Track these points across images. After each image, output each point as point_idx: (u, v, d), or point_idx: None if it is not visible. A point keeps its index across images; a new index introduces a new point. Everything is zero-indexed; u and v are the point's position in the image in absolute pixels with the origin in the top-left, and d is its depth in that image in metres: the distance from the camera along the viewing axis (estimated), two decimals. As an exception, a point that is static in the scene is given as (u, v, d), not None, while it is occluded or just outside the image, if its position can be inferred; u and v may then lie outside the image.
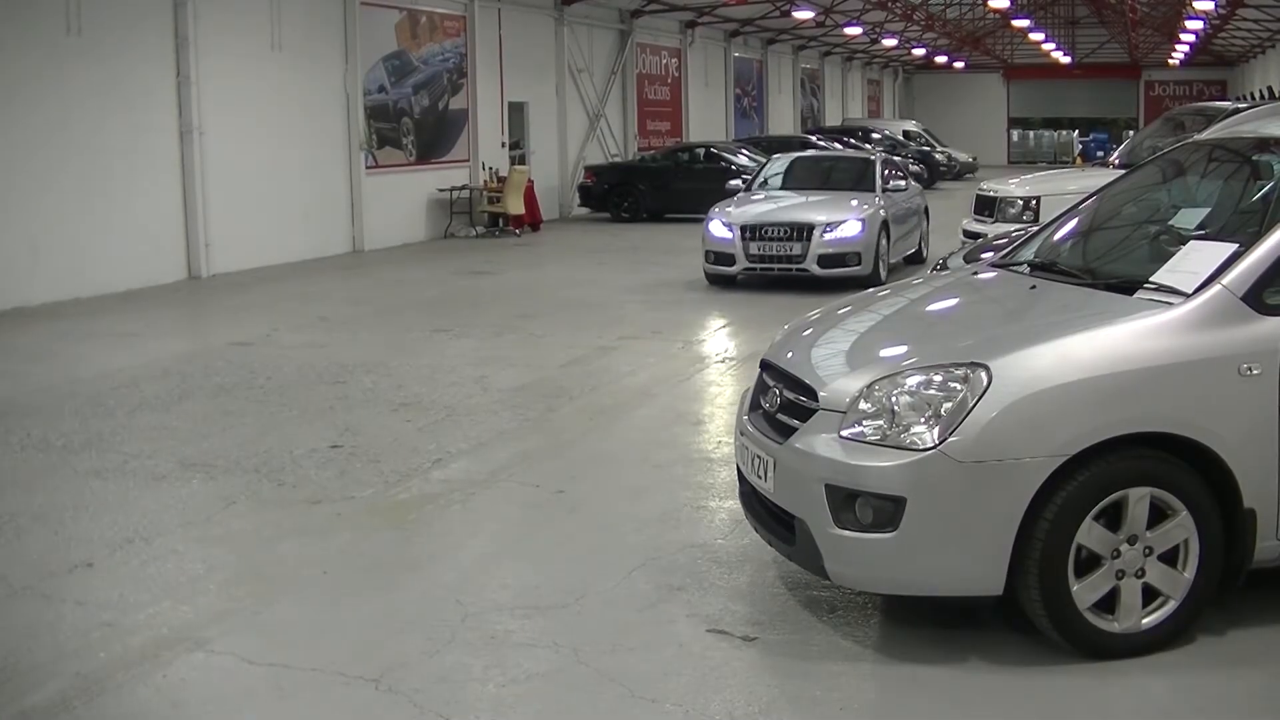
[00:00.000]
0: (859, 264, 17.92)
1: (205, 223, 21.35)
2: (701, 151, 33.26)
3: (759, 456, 6.27)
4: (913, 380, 5.75)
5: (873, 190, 19.51)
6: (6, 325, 16.44)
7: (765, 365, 6.70)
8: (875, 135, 46.58)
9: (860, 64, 67.61)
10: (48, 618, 6.55)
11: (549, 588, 6.83)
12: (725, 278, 18.74)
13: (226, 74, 21.93)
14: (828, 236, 17.90)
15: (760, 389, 6.62)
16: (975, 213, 16.84)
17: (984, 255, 10.19)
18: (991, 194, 16.71)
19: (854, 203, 18.79)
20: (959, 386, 5.61)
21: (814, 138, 41.46)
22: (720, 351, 13.99)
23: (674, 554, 7.30)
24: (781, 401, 6.28)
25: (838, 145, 37.61)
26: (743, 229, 18.34)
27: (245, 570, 7.19)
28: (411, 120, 27.95)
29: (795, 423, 6.06)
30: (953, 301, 7.28)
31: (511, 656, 5.98)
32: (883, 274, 18.15)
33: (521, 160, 32.37)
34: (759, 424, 6.43)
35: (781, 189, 20.55)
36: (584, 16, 35.92)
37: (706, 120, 45.17)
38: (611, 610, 6.49)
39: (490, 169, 29.82)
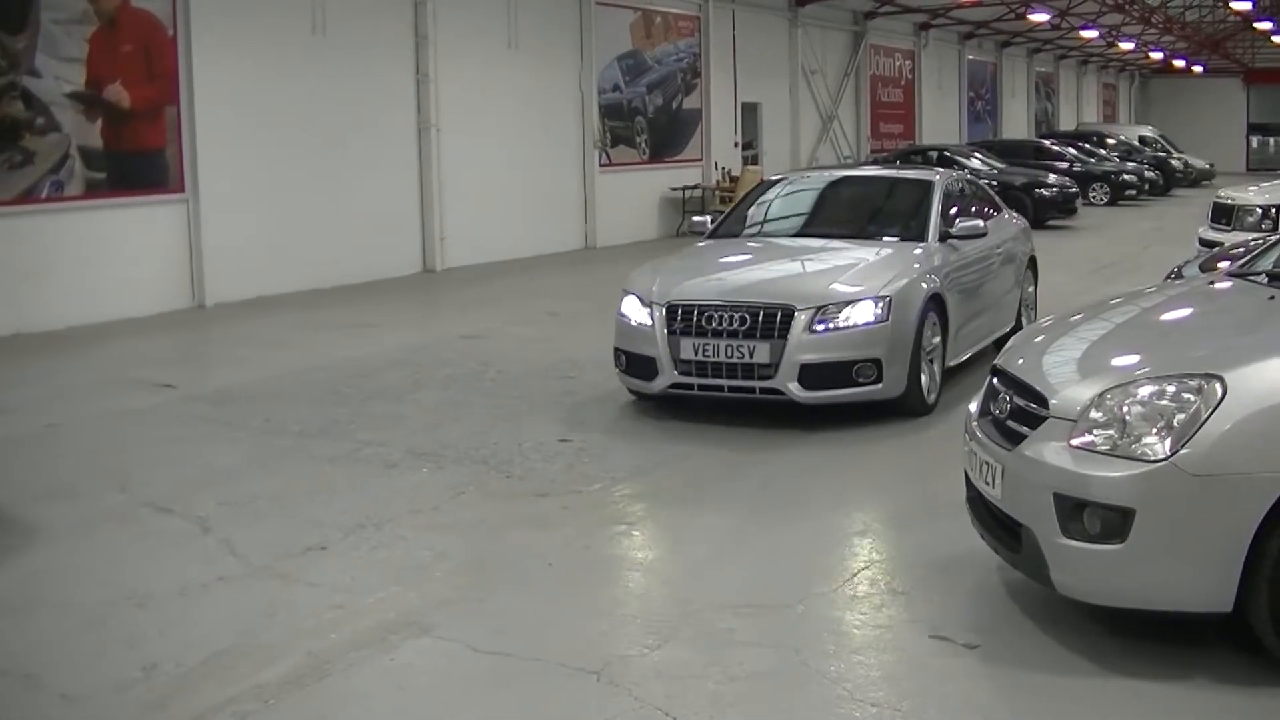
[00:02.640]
0: (876, 379, 10.23)
1: (441, 217, 21.78)
2: (934, 155, 32.90)
3: (987, 462, 6.21)
4: (1145, 390, 5.64)
5: (923, 237, 11.70)
6: (247, 314, 16.96)
7: (996, 371, 6.63)
8: (1110, 140, 45.64)
9: (1096, 68, 66.31)
10: (283, 597, 6.76)
11: (772, 588, 6.84)
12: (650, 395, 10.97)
13: (464, 72, 22.32)
14: (819, 330, 10.12)
15: (990, 394, 6.55)
16: (1212, 221, 16.45)
17: (1221, 264, 9.98)
18: (1229, 202, 16.32)
19: (882, 263, 11.01)
20: (1192, 398, 5.49)
21: (1047, 142, 40.78)
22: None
23: (898, 558, 7.26)
24: (1011, 408, 6.21)
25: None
26: (670, 313, 10.44)
27: (471, 559, 7.32)
28: (644, 119, 28.13)
29: (1025, 430, 5.99)
30: (1187, 311, 7.14)
31: (732, 654, 6.00)
32: (929, 395, 10.82)
33: (754, 160, 32.39)
34: (988, 430, 6.37)
35: (773, 233, 12.61)
36: (817, 18, 35.80)
37: (939, 123, 44.76)
38: (834, 612, 6.48)
39: (723, 169, 29.89)
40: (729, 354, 10.19)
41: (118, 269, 16.73)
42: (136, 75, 17.13)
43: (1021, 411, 6.11)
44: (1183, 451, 5.40)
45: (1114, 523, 5.49)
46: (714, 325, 10.24)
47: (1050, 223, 30.10)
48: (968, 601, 6.65)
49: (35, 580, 7.10)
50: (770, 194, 13.40)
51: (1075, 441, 5.69)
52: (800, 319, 10.10)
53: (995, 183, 29.95)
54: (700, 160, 29.84)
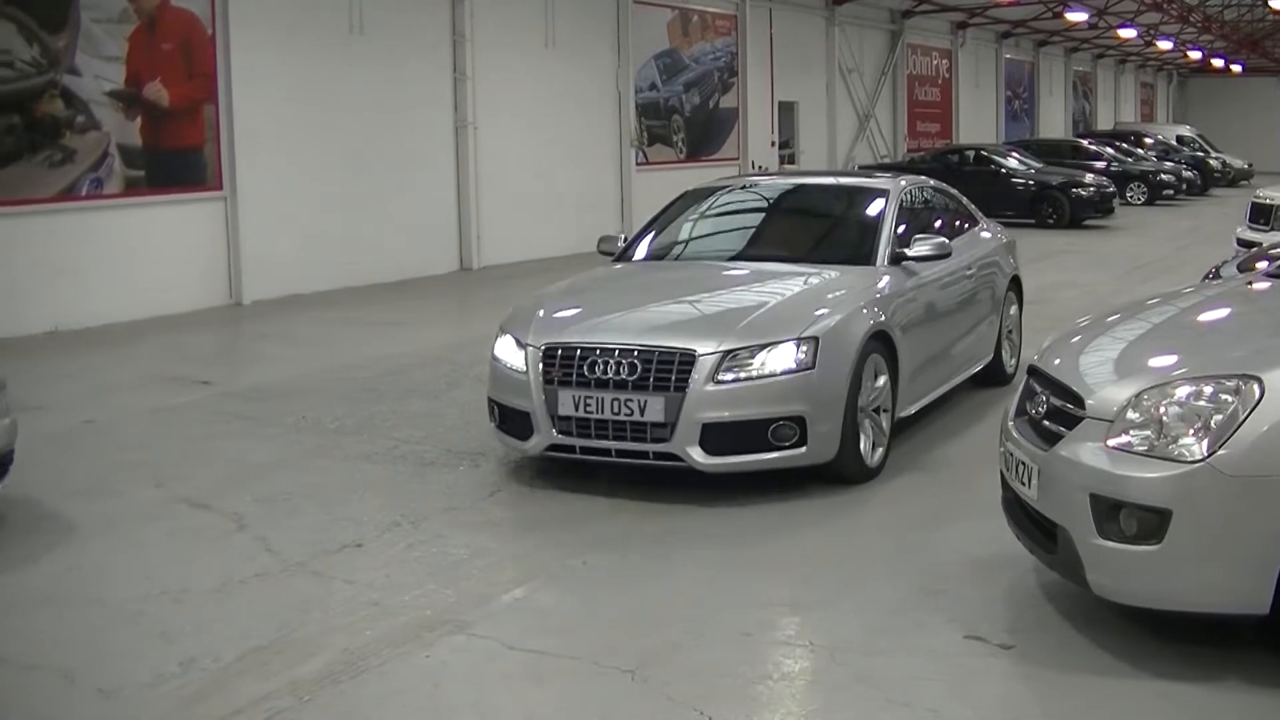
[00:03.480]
0: (798, 441, 8.25)
1: (478, 215, 21.84)
2: (971, 154, 32.82)
3: (1023, 463, 6.19)
4: (1182, 391, 5.61)
5: (870, 259, 9.80)
6: (284, 311, 17.04)
7: (1033, 371, 6.60)
8: (1147, 140, 45.46)
9: (1133, 67, 66.10)
10: (318, 594, 6.78)
11: (806, 588, 6.85)
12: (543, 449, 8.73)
13: (501, 70, 22.38)
14: (726, 380, 8.17)
15: (1027, 394, 6.53)
16: (1250, 221, 16.37)
17: (1259, 264, 9.92)
18: (1268, 201, 16.24)
19: (810, 294, 9.13)
20: (1230, 398, 5.46)
21: (1085, 142, 40.66)
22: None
23: (933, 558, 7.25)
24: (1048, 408, 6.19)
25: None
26: (547, 357, 8.55)
27: (507, 557, 7.34)
28: (681, 118, 28.16)
29: (1061, 430, 5.96)
30: (1225, 311, 7.10)
31: (765, 654, 6.01)
32: (871, 456, 8.80)
33: (791, 159, 32.43)
34: (1024, 430, 6.35)
35: (694, 255, 10.76)
36: (854, 16, 35.79)
37: (976, 122, 44.70)
38: (868, 612, 6.47)
39: (760, 167, 29.88)
40: (615, 409, 8.23)
41: (155, 266, 16.81)
42: (175, 74, 17.21)
43: (1058, 411, 6.08)
44: (1220, 453, 5.37)
45: (1150, 524, 5.46)
46: (598, 373, 8.29)
47: (1087, 222, 30.06)
48: (1003, 602, 6.63)
49: (72, 576, 7.14)
50: (698, 207, 11.30)
51: (1112, 442, 5.66)
52: (702, 366, 8.13)
53: (1032, 182, 30.04)
54: (737, 159, 29.85)
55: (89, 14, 16.03)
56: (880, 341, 8.93)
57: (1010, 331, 12.01)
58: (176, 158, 17.32)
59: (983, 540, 7.36)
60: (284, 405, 11.15)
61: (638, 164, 26.41)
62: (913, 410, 9.70)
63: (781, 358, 8.25)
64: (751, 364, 8.21)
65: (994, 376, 11.58)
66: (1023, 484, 6.19)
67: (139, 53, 16.71)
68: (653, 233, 10.97)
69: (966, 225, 11.79)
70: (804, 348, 8.29)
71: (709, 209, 11.31)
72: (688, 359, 8.17)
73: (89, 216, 16.17)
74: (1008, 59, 48.98)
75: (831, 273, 9.52)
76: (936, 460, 9.44)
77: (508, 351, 8.86)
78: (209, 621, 6.43)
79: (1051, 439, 6.01)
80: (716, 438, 8.15)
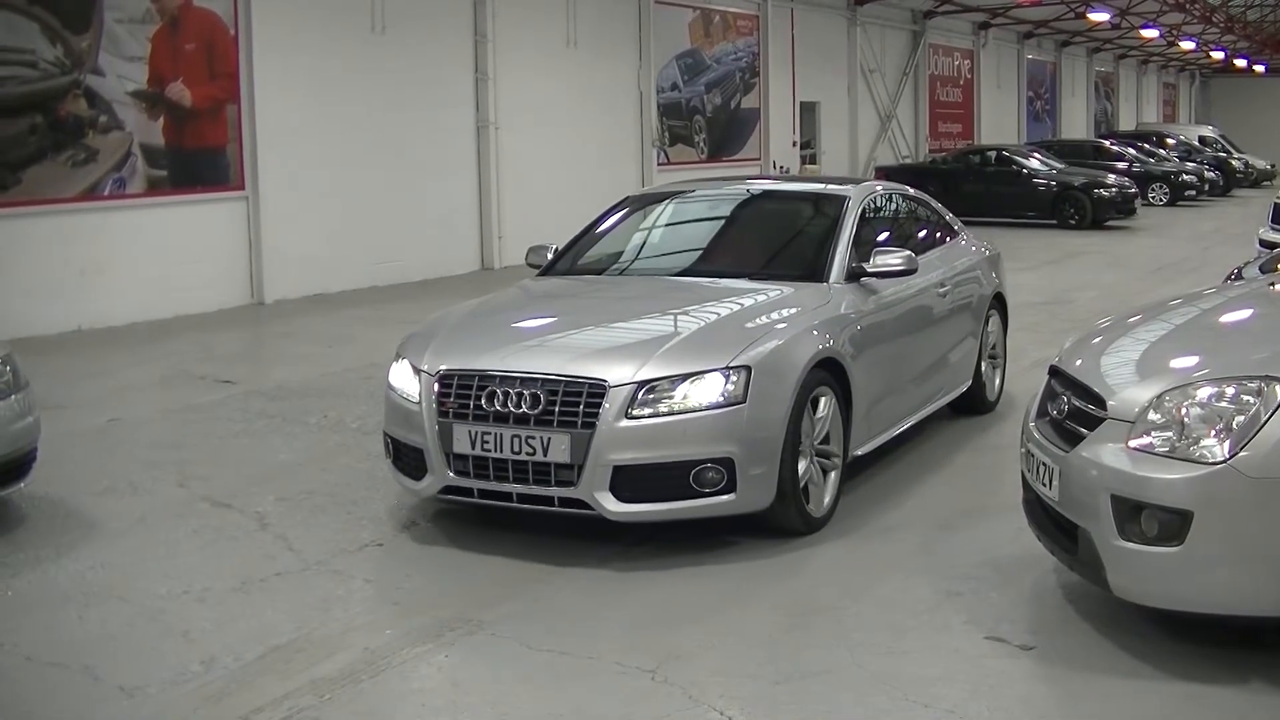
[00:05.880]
0: (726, 487, 7.14)
1: (499, 215, 21.89)
2: (993, 154, 32.75)
3: (1044, 464, 6.19)
4: (1204, 392, 5.60)
5: (822, 275, 8.65)
6: (306, 311, 17.09)
7: (1054, 372, 6.59)
8: (1170, 140, 45.34)
9: (1156, 67, 65.97)
10: (339, 593, 6.80)
11: (827, 588, 6.85)
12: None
13: (522, 70, 22.43)
14: (642, 416, 7.09)
15: (1048, 395, 6.52)
16: (1272, 221, 16.32)
17: (1282, 265, 9.91)
18: (1290, 202, 16.20)
19: (744, 315, 7.98)
20: (1252, 400, 5.45)
21: (1107, 142, 40.58)
22: None
23: (953, 559, 7.24)
24: (1069, 409, 6.18)
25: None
26: (443, 385, 7.50)
27: (527, 557, 7.32)
28: (703, 118, 28.19)
29: (1082, 431, 5.95)
30: (1247, 313, 7.09)
31: (786, 654, 6.01)
32: (817, 503, 7.74)
33: (813, 160, 32.45)
34: (1045, 431, 6.34)
35: (625, 269, 9.64)
36: (876, 16, 35.78)
37: (998, 123, 44.66)
38: (888, 613, 6.47)
39: (781, 168, 29.91)
40: (516, 448, 7.17)
41: (178, 266, 16.87)
42: (198, 74, 17.27)
43: (1079, 412, 6.07)
44: (1242, 454, 5.36)
45: (1172, 525, 5.45)
46: (496, 406, 7.23)
47: (1109, 223, 30.01)
48: (1024, 603, 6.63)
49: (94, 574, 7.16)
50: (638, 216, 10.26)
51: (1133, 443, 5.65)
52: (614, 399, 7.05)
53: (1054, 183, 29.99)
54: (759, 159, 29.88)
55: (112, 14, 16.09)
56: (828, 370, 7.81)
57: (994, 354, 10.97)
58: (199, 157, 17.38)
59: (1003, 541, 7.35)
60: (306, 404, 11.19)
61: (659, 164, 26.43)
62: (870, 448, 8.57)
63: (707, 390, 7.15)
64: (672, 396, 7.12)
65: (974, 404, 10.61)
66: (1043, 485, 6.19)
67: (162, 53, 16.77)
68: (584, 244, 9.91)
69: (943, 236, 10.70)
70: (733, 378, 7.18)
71: (649, 218, 10.23)
72: (597, 390, 7.09)
73: (112, 216, 16.23)
74: (1030, 59, 48.92)
75: (777, 291, 8.39)
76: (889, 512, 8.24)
77: (403, 378, 7.83)
78: (231, 620, 6.46)
79: (1073, 440, 6.00)
80: (630, 482, 7.07)
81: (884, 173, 32.72)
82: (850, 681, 5.70)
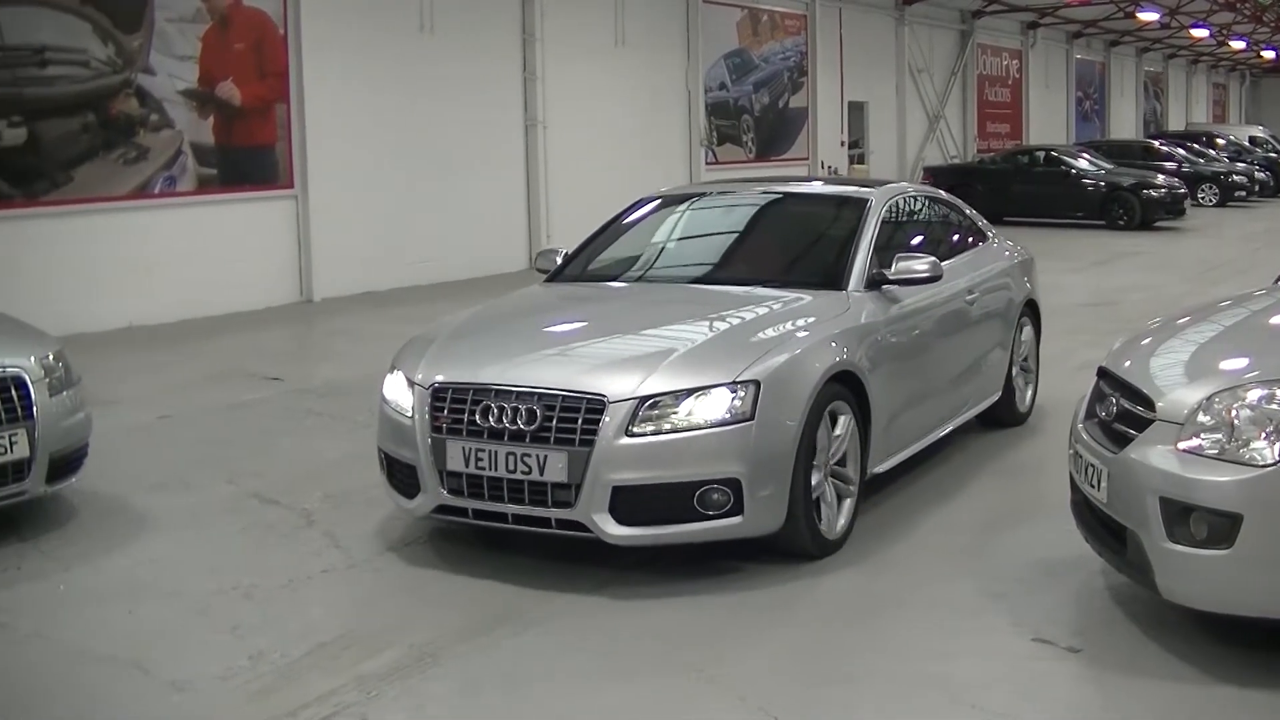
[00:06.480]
0: (733, 509, 6.72)
1: (547, 214, 21.95)
2: (1041, 154, 32.59)
3: (1092, 465, 6.16)
4: (1254, 394, 5.57)
5: (840, 283, 8.20)
6: (354, 309, 17.17)
7: (1103, 373, 6.57)
8: (1219, 141, 45.02)
9: (1205, 67, 65.59)
10: (386, 589, 6.85)
11: (873, 589, 6.84)
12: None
13: (570, 69, 22.47)
14: (643, 433, 6.67)
15: (1097, 397, 6.49)
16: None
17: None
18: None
19: (754, 326, 7.55)
20: (1303, 402, 5.43)
21: (1156, 142, 40.35)
22: None
23: (1000, 560, 7.22)
24: (1118, 410, 6.15)
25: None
26: (436, 399, 7.11)
27: (574, 555, 7.30)
28: (751, 117, 28.19)
29: (1131, 432, 5.92)
30: (1300, 314, 7.04)
31: (831, 655, 6.01)
32: (832, 524, 7.29)
33: (860, 159, 32.41)
34: (1094, 432, 6.31)
35: (635, 275, 9.15)
36: (924, 16, 35.71)
37: (1046, 123, 44.50)
38: (935, 614, 6.46)
39: (829, 167, 29.90)
40: (511, 466, 6.76)
41: (227, 264, 16.97)
42: (248, 73, 17.37)
43: (1128, 414, 6.04)
44: (1291, 457, 5.33)
45: (1221, 528, 5.42)
46: (491, 421, 6.83)
47: (1158, 224, 29.83)
48: (1071, 605, 6.60)
49: (144, 569, 7.22)
50: (651, 219, 9.80)
51: (1182, 445, 5.62)
52: (613, 415, 6.64)
53: (1103, 183, 29.83)
54: (807, 159, 29.86)
55: (163, 14, 16.21)
56: (845, 384, 7.37)
57: (1025, 364, 10.49)
58: (248, 156, 17.49)
59: (1051, 542, 7.32)
60: (354, 402, 11.21)
61: (707, 163, 26.44)
62: (890, 465, 8.14)
63: (712, 406, 6.72)
64: (675, 413, 6.69)
65: (1004, 416, 10.16)
66: (1092, 486, 6.16)
67: (212, 52, 16.88)
68: (594, 249, 9.43)
69: (972, 240, 10.21)
70: (741, 393, 6.75)
71: (664, 222, 9.79)
72: (596, 405, 6.67)
73: (162, 214, 16.34)
74: (1078, 59, 48.71)
75: (792, 299, 7.97)
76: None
77: (396, 391, 7.41)
78: (278, 616, 6.50)
79: (1121, 441, 5.97)
80: (630, 504, 6.66)
81: (932, 173, 32.60)
82: (896, 682, 5.68)
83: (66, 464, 7.93)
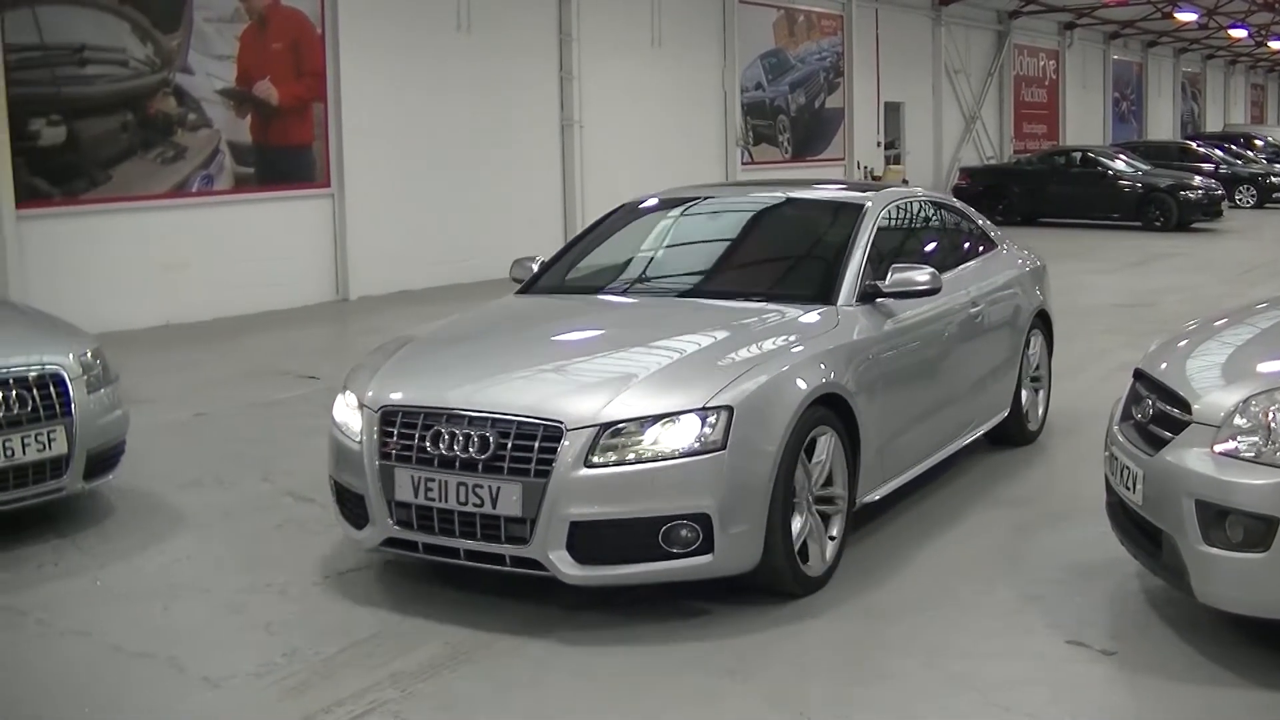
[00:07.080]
0: (702, 547, 6.11)
1: (583, 214, 21.93)
2: (1078, 155, 32.46)
3: (1128, 467, 6.13)
4: (1292, 397, 5.55)
5: (829, 296, 7.53)
6: (390, 307, 17.21)
7: (1139, 375, 6.54)
8: (1258, 142, 44.74)
9: (1244, 68, 65.25)
10: (421, 588, 6.83)
11: (907, 591, 6.82)
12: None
13: (607, 69, 22.50)
14: (604, 464, 6.06)
15: (1133, 399, 6.46)
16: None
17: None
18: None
19: (727, 345, 6.85)
20: (1341, 405, 5.40)
21: (1193, 143, 40.16)
22: None
23: (1036, 562, 7.20)
24: (1154, 413, 6.13)
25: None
26: (384, 423, 6.52)
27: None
28: (787, 118, 28.19)
29: (1167, 435, 5.89)
30: (1338, 317, 7.00)
31: (868, 656, 6.00)
32: (814, 561, 6.69)
33: (897, 160, 32.38)
34: (1129, 434, 6.28)
35: (609, 286, 8.35)
36: (961, 17, 35.63)
37: (1083, 123, 44.35)
38: (970, 616, 6.44)
39: (865, 168, 29.90)
40: (462, 497, 6.21)
41: (264, 262, 17.04)
42: (285, 72, 17.44)
43: (1164, 416, 6.02)
44: (1329, 460, 5.30)
45: (1257, 531, 5.39)
46: (441, 448, 6.28)
47: (1195, 225, 29.68)
48: (1106, 607, 6.58)
49: (180, 566, 7.26)
50: (633, 226, 9.11)
51: (1218, 448, 5.59)
52: (572, 443, 6.07)
53: (1139, 184, 29.70)
54: (843, 159, 29.85)
55: (201, 14, 16.29)
56: (831, 408, 6.77)
57: (1036, 378, 9.89)
58: (285, 155, 17.57)
59: (1086, 544, 7.29)
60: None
61: (743, 163, 26.44)
62: (884, 493, 7.55)
63: (680, 434, 6.12)
64: (640, 441, 6.10)
65: (1012, 434, 9.57)
66: (1127, 489, 6.13)
67: (250, 51, 16.96)
68: (572, 258, 8.79)
69: (980, 248, 9.60)
70: (711, 420, 6.15)
71: (649, 229, 9.06)
72: (553, 432, 6.09)
73: (199, 213, 16.42)
74: (1115, 60, 48.54)
75: (776, 315, 7.33)
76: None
77: (346, 413, 6.85)
78: (312, 613, 6.53)
79: (1157, 444, 5.94)
80: (590, 541, 6.10)
81: (968, 173, 32.47)
82: (928, 683, 5.67)
83: (103, 461, 7.99)
